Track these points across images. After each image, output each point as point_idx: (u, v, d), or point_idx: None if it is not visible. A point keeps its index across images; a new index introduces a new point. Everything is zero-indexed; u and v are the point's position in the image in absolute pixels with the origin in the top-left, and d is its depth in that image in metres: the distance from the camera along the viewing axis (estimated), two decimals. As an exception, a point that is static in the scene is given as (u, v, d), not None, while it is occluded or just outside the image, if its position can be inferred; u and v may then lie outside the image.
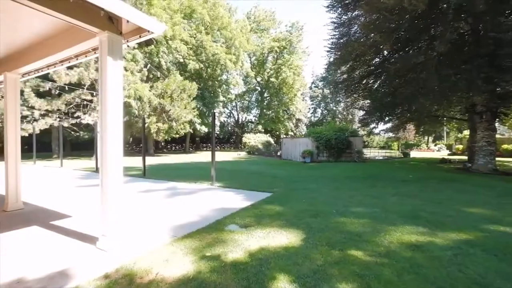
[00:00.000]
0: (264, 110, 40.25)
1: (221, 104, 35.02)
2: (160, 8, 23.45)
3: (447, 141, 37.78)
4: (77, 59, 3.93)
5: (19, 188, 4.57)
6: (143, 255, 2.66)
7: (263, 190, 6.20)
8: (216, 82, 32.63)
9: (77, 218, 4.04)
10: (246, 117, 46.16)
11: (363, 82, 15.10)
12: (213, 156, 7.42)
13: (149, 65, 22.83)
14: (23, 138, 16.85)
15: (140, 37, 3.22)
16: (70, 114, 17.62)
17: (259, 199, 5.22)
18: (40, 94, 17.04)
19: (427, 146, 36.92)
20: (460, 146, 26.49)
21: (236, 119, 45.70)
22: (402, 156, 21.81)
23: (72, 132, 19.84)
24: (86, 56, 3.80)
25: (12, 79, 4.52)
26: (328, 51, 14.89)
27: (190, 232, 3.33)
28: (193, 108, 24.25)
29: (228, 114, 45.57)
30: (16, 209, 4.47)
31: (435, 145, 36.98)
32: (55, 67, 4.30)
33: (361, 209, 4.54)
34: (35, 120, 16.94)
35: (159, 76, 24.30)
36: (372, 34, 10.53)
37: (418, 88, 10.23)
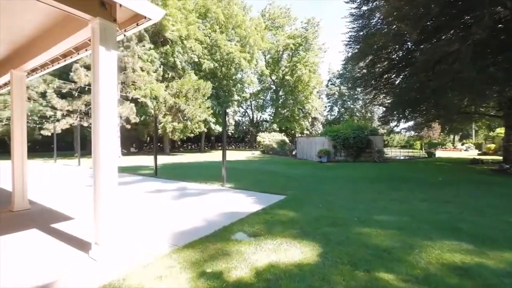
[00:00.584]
0: (279, 109, 39.54)
1: (235, 103, 34.84)
2: (175, 8, 23.59)
3: (475, 140, 35.10)
4: (78, 53, 3.74)
5: (25, 187, 4.48)
6: (136, 269, 2.35)
7: (275, 192, 5.78)
8: (231, 81, 32.47)
9: (79, 221, 3.85)
10: (260, 116, 45.77)
11: (384, 77, 14.15)
12: (224, 155, 7.08)
13: (162, 66, 23.05)
14: (46, 137, 17.83)
15: (137, 25, 2.93)
16: (90, 114, 18.16)
17: (271, 203, 4.81)
18: (62, 95, 17.73)
19: (453, 145, 34.52)
20: (492, 145, 24.43)
21: (251, 118, 45.38)
22: (426, 156, 20.44)
23: (92, 132, 20.47)
24: (86, 50, 3.61)
25: (18, 76, 4.44)
26: (346, 45, 14.11)
27: (192, 240, 2.99)
28: (208, 108, 24.21)
29: (243, 113, 45.40)
30: (22, 209, 4.38)
31: (462, 144, 34.47)
32: (58, 63, 4.14)
33: (386, 216, 3.99)
34: (57, 120, 17.66)
35: (174, 76, 24.51)
36: (396, 23, 9.68)
37: (448, 81, 9.27)
